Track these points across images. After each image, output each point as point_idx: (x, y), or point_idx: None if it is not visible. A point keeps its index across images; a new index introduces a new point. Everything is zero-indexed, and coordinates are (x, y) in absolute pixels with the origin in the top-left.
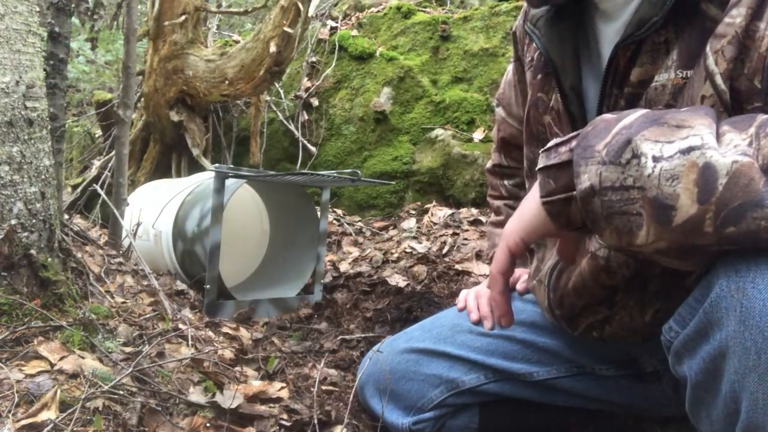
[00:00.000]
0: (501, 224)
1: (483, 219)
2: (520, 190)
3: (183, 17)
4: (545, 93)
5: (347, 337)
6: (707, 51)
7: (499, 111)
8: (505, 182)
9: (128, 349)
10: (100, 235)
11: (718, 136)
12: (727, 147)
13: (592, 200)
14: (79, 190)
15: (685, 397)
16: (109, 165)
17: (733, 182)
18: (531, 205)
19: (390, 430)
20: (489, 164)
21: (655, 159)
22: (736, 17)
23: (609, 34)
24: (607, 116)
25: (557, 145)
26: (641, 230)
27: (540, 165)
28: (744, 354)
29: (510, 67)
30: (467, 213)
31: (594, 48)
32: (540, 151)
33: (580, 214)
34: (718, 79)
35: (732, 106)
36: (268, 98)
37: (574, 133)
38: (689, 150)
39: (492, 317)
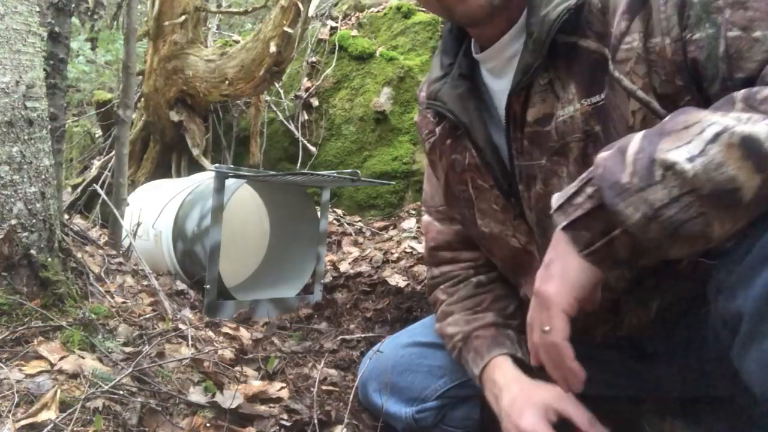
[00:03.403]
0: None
1: None
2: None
3: (183, 17)
4: (459, 153)
5: (347, 337)
6: (618, 75)
7: (426, 218)
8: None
9: (128, 349)
10: (100, 235)
11: None
12: (741, 122)
13: (649, 227)
14: (79, 190)
15: (729, 342)
16: (109, 165)
17: None
18: (569, 263)
19: (393, 422)
20: (431, 286)
21: (689, 160)
22: (631, 42)
23: (500, 89)
24: (603, 155)
25: (568, 199)
26: (713, 225)
27: (563, 224)
28: None
29: (425, 163)
30: None
31: (491, 103)
32: (551, 212)
33: (628, 250)
34: (640, 94)
35: (666, 107)
36: (268, 98)
37: (578, 182)
38: (716, 137)
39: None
